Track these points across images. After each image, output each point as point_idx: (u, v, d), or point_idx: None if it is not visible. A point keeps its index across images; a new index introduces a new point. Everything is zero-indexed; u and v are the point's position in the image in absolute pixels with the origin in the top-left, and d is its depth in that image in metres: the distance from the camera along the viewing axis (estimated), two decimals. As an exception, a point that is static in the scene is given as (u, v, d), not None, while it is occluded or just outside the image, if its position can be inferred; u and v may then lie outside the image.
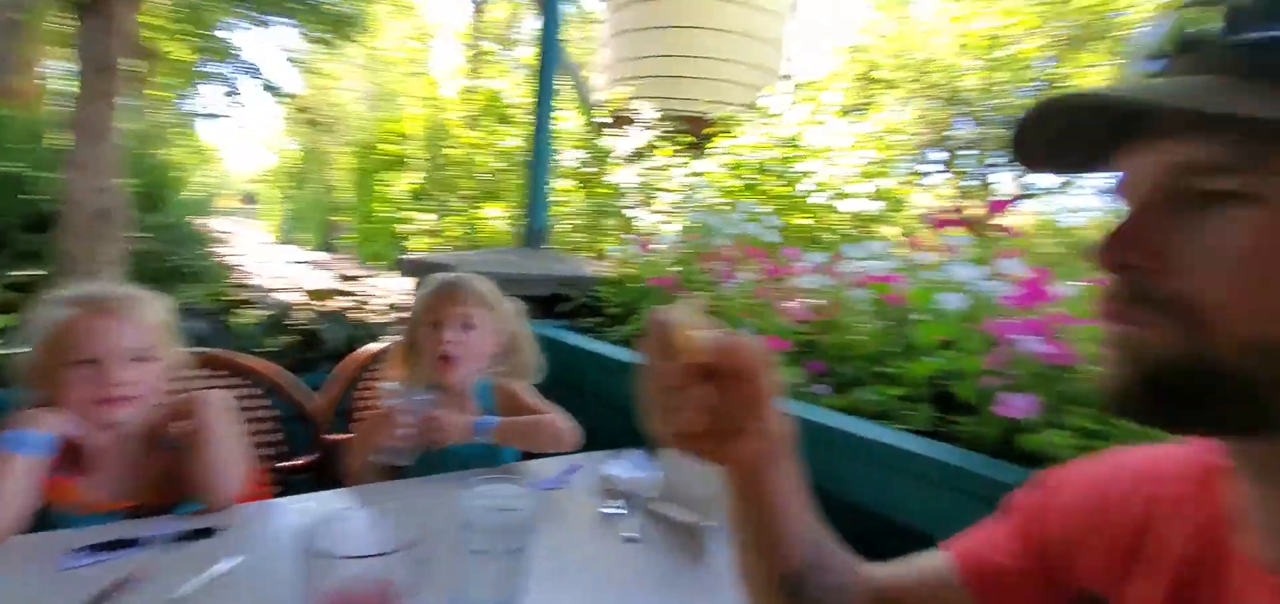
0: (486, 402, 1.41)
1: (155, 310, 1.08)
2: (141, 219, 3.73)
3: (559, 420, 1.31)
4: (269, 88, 7.18)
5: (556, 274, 2.31)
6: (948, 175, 8.80)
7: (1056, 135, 0.42)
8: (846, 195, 5.78)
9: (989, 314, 1.12)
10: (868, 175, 5.72)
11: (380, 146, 8.66)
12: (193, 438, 1.03)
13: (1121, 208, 0.41)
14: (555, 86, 2.62)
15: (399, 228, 7.87)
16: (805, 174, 5.88)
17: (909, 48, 8.92)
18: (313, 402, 1.52)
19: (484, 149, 7.38)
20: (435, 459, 1.26)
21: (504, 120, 7.25)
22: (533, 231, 2.51)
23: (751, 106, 6.76)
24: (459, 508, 0.78)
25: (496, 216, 6.68)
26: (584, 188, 6.89)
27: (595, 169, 6.76)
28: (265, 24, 6.93)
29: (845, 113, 6.89)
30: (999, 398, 0.97)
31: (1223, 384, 0.35)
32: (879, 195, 5.55)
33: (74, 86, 3.39)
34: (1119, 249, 0.39)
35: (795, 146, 5.94)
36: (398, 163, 8.33)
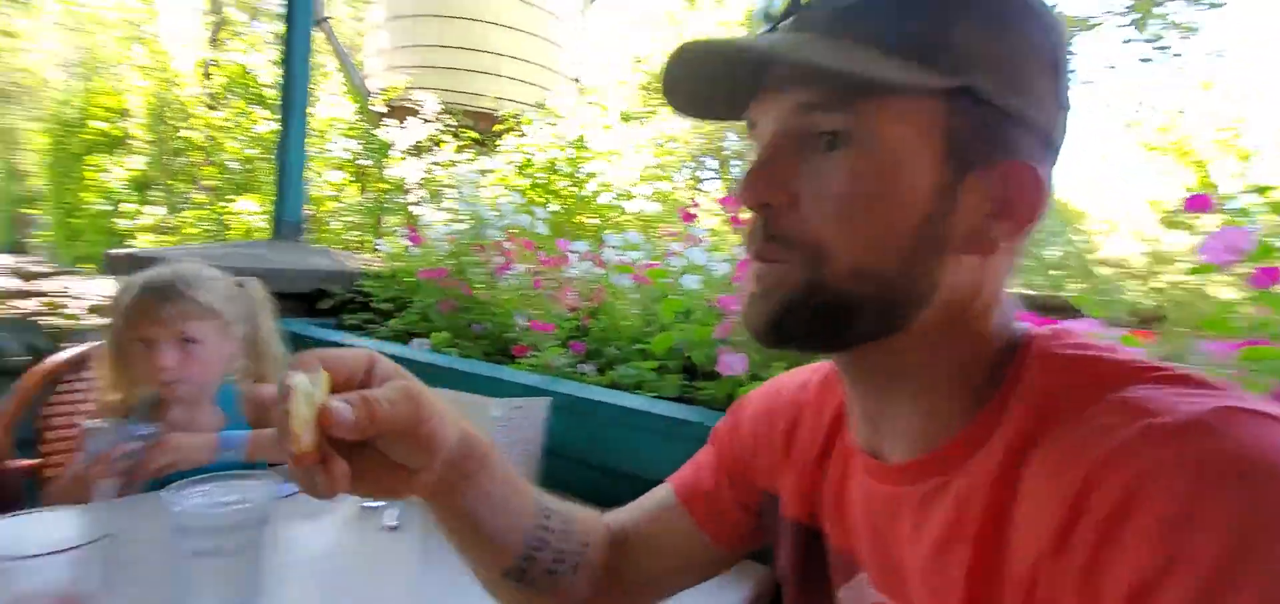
0: (231, 409, 1.26)
1: None
2: None
3: None
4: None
5: (316, 269, 2.12)
6: (718, 182, 9.77)
7: (702, 85, 0.45)
8: (630, 196, 6.14)
9: (720, 291, 1.30)
10: (647, 178, 6.14)
11: (89, 125, 7.10)
12: None
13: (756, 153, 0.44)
14: (312, 63, 2.40)
15: (118, 223, 6.52)
16: (591, 175, 6.12)
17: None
18: (-27, 427, 1.22)
19: (232, 133, 6.43)
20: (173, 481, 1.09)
21: (258, 101, 6.39)
22: (287, 224, 2.28)
23: (539, 106, 6.83)
24: (169, 510, 0.70)
25: (252, 212, 5.87)
26: (359, 181, 6.36)
27: (372, 162, 6.28)
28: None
29: (629, 119, 7.29)
30: (722, 360, 1.13)
31: (836, 308, 0.41)
32: (658, 197, 5.99)
33: None
34: (755, 188, 0.42)
35: (582, 148, 6.15)
36: (114, 144, 6.90)
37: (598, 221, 6.14)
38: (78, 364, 1.42)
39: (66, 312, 3.71)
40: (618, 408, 1.22)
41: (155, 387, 1.15)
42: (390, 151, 6.71)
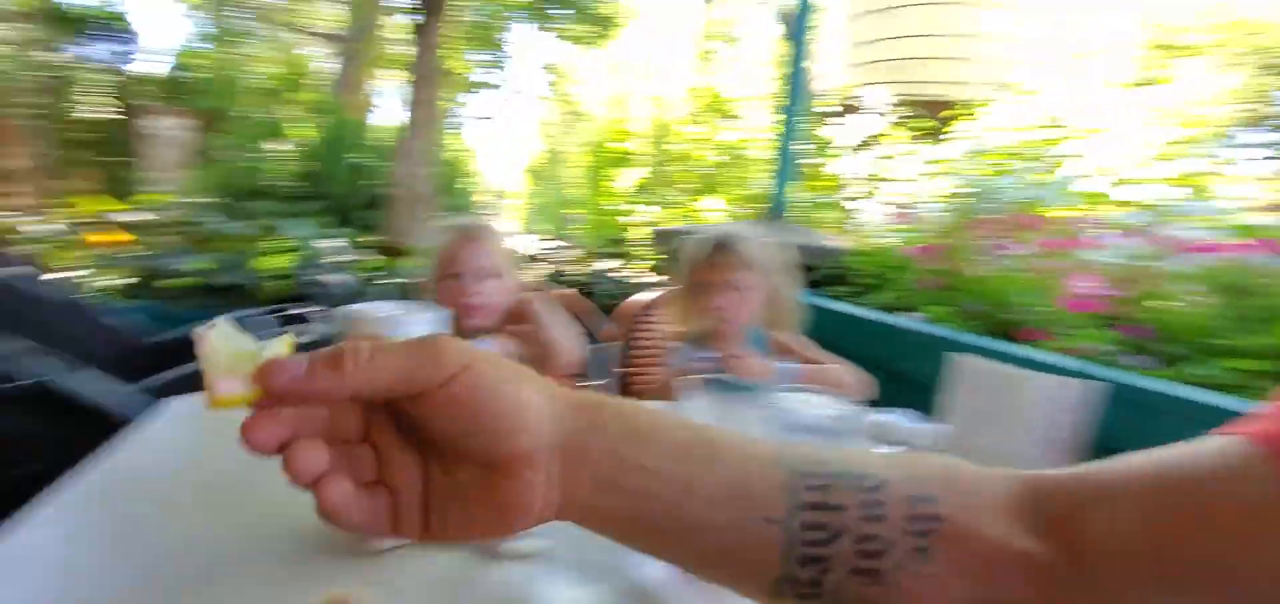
0: (761, 350, 1.49)
1: (502, 240, 1.35)
2: (441, 202, 4.60)
3: (842, 371, 1.35)
4: (548, 86, 8.24)
5: (803, 244, 2.34)
6: (1273, 159, 7.01)
7: None
8: (1129, 181, 4.92)
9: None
10: (1162, 158, 4.80)
11: (608, 145, 9.42)
12: (530, 330, 1.26)
13: None
14: (802, 81, 2.67)
15: (622, 221, 8.49)
16: (1070, 156, 5.13)
17: (1219, 6, 7.24)
18: (604, 333, 1.76)
19: (704, 144, 7.66)
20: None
21: (724, 116, 7.44)
22: (778, 206, 2.58)
23: (1002, 85, 6.07)
24: (775, 410, 0.86)
25: (714, 209, 6.88)
26: (803, 179, 6.79)
27: (817, 161, 6.62)
28: (543, 30, 7.95)
29: (1132, 86, 5.85)
30: None
31: None
32: (1182, 181, 4.64)
33: (397, 97, 4.36)
34: None
35: (1058, 126, 5.21)
36: (624, 159, 8.99)
37: (1072, 214, 5.13)
38: (650, 306, 1.89)
39: (624, 269, 5.11)
40: (1217, 410, 0.99)
41: (710, 322, 1.44)
42: (828, 149, 6.98)
